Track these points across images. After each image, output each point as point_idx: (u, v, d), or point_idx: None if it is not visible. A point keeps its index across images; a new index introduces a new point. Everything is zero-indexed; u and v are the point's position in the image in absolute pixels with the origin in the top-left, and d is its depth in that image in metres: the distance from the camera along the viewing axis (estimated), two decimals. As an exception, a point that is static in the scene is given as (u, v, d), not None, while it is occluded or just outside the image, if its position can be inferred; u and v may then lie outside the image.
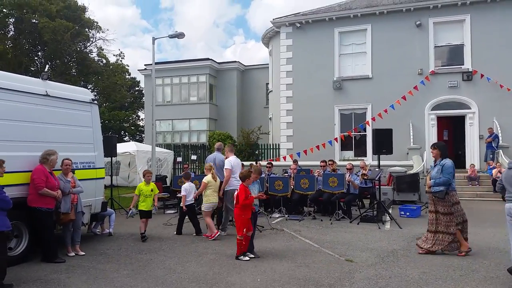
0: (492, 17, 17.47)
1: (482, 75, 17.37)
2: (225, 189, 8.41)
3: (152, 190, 8.21)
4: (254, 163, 13.32)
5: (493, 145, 16.07)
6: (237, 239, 6.43)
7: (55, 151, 6.54)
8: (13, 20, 26.72)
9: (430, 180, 6.73)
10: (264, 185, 11.30)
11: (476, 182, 15.19)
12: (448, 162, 6.64)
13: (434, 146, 6.93)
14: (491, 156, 15.98)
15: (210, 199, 8.17)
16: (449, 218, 6.57)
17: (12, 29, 27.38)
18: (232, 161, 8.51)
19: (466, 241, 6.67)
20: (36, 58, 29.87)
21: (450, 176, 6.54)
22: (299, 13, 20.59)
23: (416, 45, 18.39)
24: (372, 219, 9.56)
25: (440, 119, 18.25)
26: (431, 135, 18.14)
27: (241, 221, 6.39)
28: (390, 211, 10.41)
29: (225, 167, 8.50)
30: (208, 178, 8.25)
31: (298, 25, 20.14)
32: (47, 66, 29.55)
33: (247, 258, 6.40)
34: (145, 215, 8.16)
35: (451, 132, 18.42)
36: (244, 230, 6.37)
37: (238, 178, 8.39)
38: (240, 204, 6.41)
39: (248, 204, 6.46)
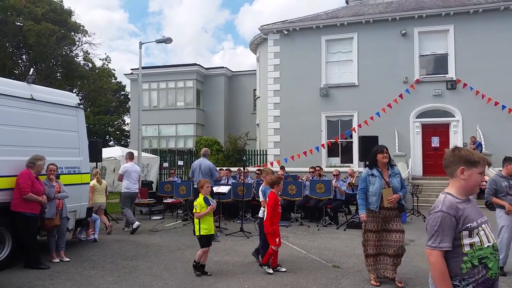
0: (475, 28, 17.87)
1: (465, 84, 17.72)
2: (122, 191, 10.02)
3: None
4: (241, 168, 13.31)
5: (476, 153, 16.34)
6: (271, 248, 5.96)
7: (43, 156, 6.46)
8: (-3, 22, 26.31)
9: (393, 193, 5.38)
10: (251, 191, 11.34)
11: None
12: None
13: (387, 149, 5.55)
14: (474, 163, 16.24)
15: (96, 200, 9.24)
16: (402, 235, 5.45)
17: (-4, 31, 26.93)
18: (128, 167, 9.95)
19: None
20: (20, 61, 29.42)
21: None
22: (286, 20, 20.77)
23: (401, 54, 18.67)
24: (358, 225, 9.61)
25: (424, 127, 18.53)
26: (416, 143, 18.41)
27: (275, 231, 6.00)
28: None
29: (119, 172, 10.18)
30: (93, 182, 9.23)
31: (286, 32, 20.29)
32: (31, 69, 29.12)
33: (271, 270, 6.00)
34: (208, 241, 5.94)
35: (440, 140, 18.54)
36: (277, 240, 5.99)
37: (134, 182, 9.79)
38: (270, 214, 5.98)
39: (277, 213, 6.19)
